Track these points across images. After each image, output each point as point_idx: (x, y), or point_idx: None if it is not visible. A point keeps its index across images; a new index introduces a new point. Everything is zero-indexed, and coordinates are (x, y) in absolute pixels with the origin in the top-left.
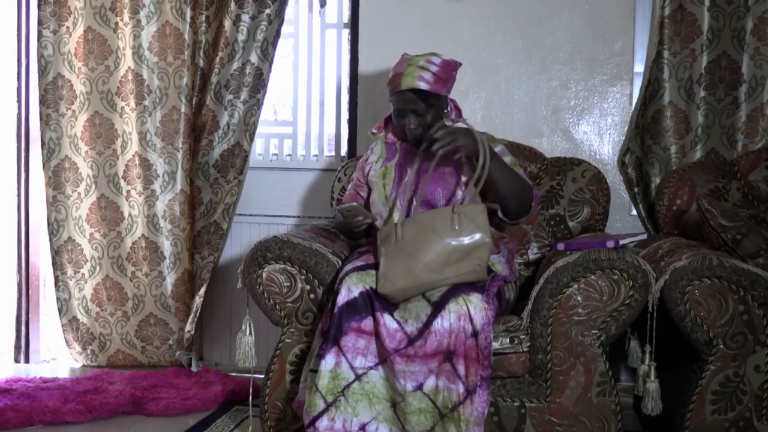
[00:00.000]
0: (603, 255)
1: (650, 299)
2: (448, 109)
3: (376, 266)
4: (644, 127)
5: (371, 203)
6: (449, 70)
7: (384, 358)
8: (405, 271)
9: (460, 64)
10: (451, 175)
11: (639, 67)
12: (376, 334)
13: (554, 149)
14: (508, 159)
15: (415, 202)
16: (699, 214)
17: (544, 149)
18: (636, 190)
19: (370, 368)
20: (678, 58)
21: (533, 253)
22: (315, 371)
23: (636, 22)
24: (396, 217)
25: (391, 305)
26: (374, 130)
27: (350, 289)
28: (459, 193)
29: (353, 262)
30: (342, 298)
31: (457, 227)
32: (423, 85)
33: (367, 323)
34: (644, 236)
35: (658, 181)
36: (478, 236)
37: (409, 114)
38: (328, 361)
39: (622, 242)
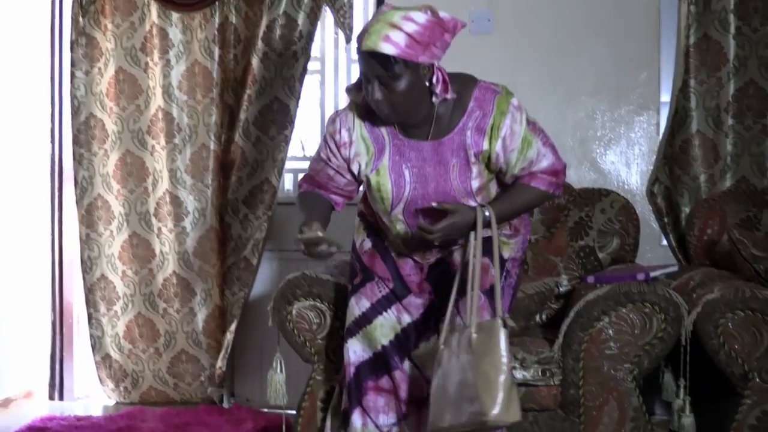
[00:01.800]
0: (634, 288)
1: (683, 332)
2: (434, 80)
3: (382, 303)
4: (672, 156)
5: (371, 202)
6: (436, 31)
7: (405, 413)
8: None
9: (462, 25)
10: (460, 179)
11: (665, 97)
12: (395, 389)
13: (582, 180)
14: (517, 140)
15: (420, 217)
16: (730, 244)
17: (571, 180)
18: (666, 220)
19: (393, 425)
20: (704, 86)
21: (563, 285)
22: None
23: (661, 52)
24: (399, 227)
25: (409, 347)
26: (350, 86)
27: (357, 352)
28: (472, 202)
29: (357, 304)
30: (354, 359)
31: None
32: (388, 49)
33: (384, 381)
34: (675, 268)
35: (688, 211)
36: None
37: (374, 81)
38: (356, 423)
39: (652, 274)
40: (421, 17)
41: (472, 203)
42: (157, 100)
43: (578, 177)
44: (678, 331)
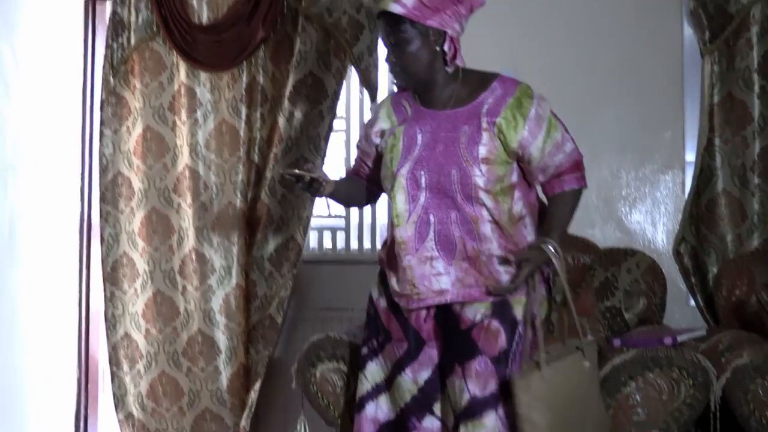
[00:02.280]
0: (661, 352)
1: (712, 398)
2: (446, 49)
3: (400, 364)
4: (698, 215)
5: (382, 179)
6: None
7: None
8: None
9: (480, 2)
10: (468, 144)
11: (690, 155)
12: None
13: (607, 239)
14: (544, 123)
15: (422, 183)
16: (759, 306)
17: (596, 240)
18: (693, 280)
19: None
20: (729, 145)
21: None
22: None
23: (685, 110)
24: (400, 200)
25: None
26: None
27: (384, 411)
28: (477, 174)
29: (383, 366)
30: (382, 417)
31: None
32: (396, 8)
33: None
34: (703, 332)
35: (716, 271)
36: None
37: (388, 45)
38: None
39: (680, 338)
40: None
41: (477, 173)
42: (184, 158)
43: (603, 236)
44: (707, 397)
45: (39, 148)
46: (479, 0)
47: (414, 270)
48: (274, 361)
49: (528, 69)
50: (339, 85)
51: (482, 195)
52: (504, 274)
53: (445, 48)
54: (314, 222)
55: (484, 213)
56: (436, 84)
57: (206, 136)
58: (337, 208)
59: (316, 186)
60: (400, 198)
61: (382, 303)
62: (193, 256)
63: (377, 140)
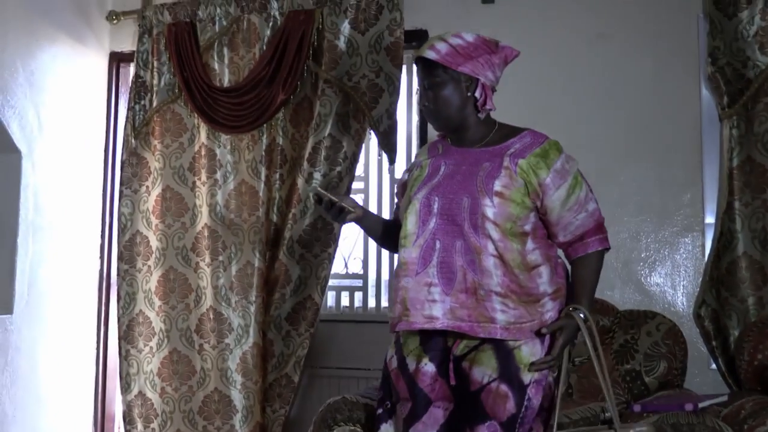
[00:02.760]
0: (682, 419)
1: None
2: (478, 95)
3: (406, 424)
4: (719, 278)
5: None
6: (480, 49)
7: None
8: None
9: (514, 54)
10: (486, 177)
11: (710, 218)
12: None
13: (626, 302)
14: (569, 177)
15: (435, 209)
16: None
17: (616, 302)
18: (714, 343)
19: None
20: (750, 208)
21: (609, 410)
22: None
23: (704, 173)
24: (411, 221)
25: None
26: None
27: None
28: (487, 204)
29: (397, 428)
30: None
31: None
32: (430, 54)
33: None
34: (725, 398)
35: (737, 334)
36: None
37: (421, 88)
38: None
39: (701, 405)
40: (469, 36)
41: (487, 203)
42: (203, 218)
43: (623, 298)
44: None
45: (60, 207)
46: (513, 52)
47: (409, 292)
48: (290, 421)
49: (547, 130)
50: (358, 147)
51: (489, 226)
52: (500, 312)
53: (477, 94)
54: (332, 281)
55: (489, 246)
56: (467, 127)
57: (226, 196)
58: (356, 267)
59: (342, 215)
60: (411, 220)
61: (394, 363)
62: (211, 315)
63: (406, 176)
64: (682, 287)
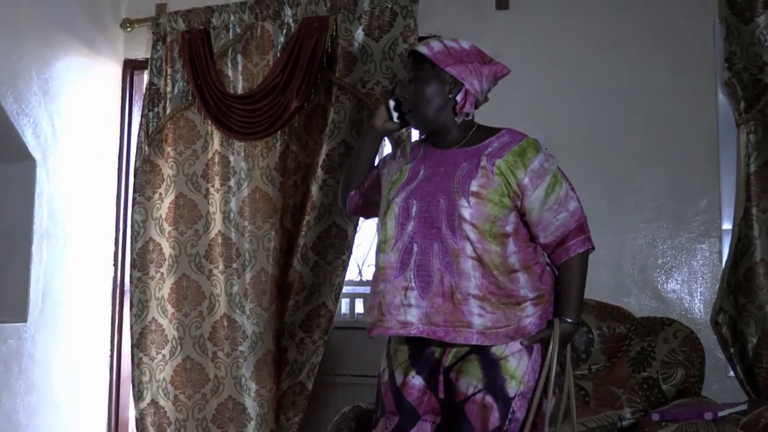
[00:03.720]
0: (701, 428)
1: None
2: (458, 100)
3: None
4: (736, 285)
5: (374, 207)
6: (473, 56)
7: None
8: None
9: (505, 71)
10: (463, 178)
11: (727, 224)
12: None
13: (643, 308)
14: (548, 176)
15: (413, 212)
16: None
17: (632, 308)
18: (732, 350)
19: None
20: (767, 214)
21: (626, 419)
22: None
23: (721, 179)
24: (390, 226)
25: None
26: None
27: None
28: (464, 205)
29: None
30: None
31: None
32: (423, 49)
33: None
34: (744, 406)
35: (755, 341)
36: None
37: (408, 81)
38: None
39: (720, 414)
40: (465, 43)
41: (464, 204)
42: (217, 225)
43: (639, 305)
44: None
45: (75, 215)
46: (504, 69)
47: (386, 297)
48: (303, 429)
49: (562, 137)
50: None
51: (466, 227)
52: (477, 316)
53: (458, 98)
54: (346, 288)
55: (468, 247)
56: (446, 130)
57: (239, 204)
58: (370, 275)
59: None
60: (391, 224)
61: (386, 376)
62: (225, 323)
63: (384, 169)
64: (699, 294)
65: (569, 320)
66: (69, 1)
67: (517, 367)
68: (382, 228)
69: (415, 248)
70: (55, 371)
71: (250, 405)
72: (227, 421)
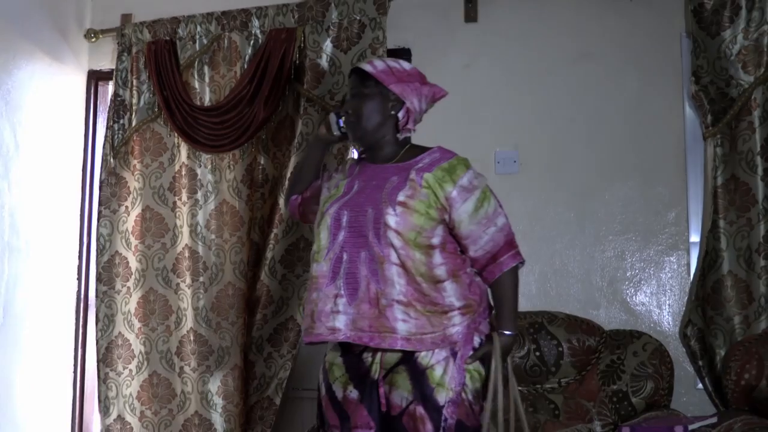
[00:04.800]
0: None
1: None
2: (400, 117)
3: None
4: (704, 297)
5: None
6: (414, 76)
7: None
8: None
9: (442, 94)
10: (392, 190)
11: (695, 237)
12: None
13: (612, 321)
14: (477, 192)
15: (344, 222)
16: None
17: (601, 321)
18: (700, 363)
19: None
20: (734, 227)
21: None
22: None
23: (689, 192)
24: (323, 237)
25: None
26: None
27: None
28: (390, 213)
29: None
30: None
31: None
32: (368, 67)
33: None
34: (714, 419)
35: (723, 354)
36: None
37: (351, 96)
38: None
39: (691, 427)
40: (406, 64)
41: (390, 212)
42: (184, 239)
43: (608, 318)
44: None
45: (37, 228)
46: (441, 92)
47: (318, 305)
48: None
49: (531, 150)
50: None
51: (391, 234)
52: (401, 322)
53: (399, 115)
54: None
55: (392, 255)
56: (381, 145)
57: (206, 217)
58: None
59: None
60: (323, 235)
61: (323, 390)
62: (191, 337)
63: (326, 183)
64: (667, 306)
65: (507, 332)
66: (32, 10)
67: (443, 374)
68: (316, 238)
69: (345, 257)
70: (17, 387)
71: (218, 420)
72: None
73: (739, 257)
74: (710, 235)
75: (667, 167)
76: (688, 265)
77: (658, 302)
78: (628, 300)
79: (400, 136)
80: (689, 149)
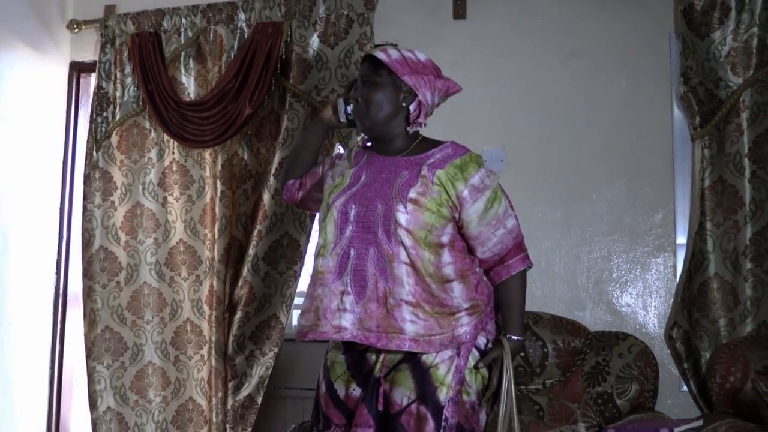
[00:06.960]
0: None
1: None
2: (412, 109)
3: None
4: (690, 299)
5: (315, 205)
6: (428, 69)
7: None
8: None
9: (456, 88)
10: (402, 185)
11: (681, 239)
12: None
13: (597, 322)
14: (488, 192)
15: (351, 216)
16: (755, 394)
17: (587, 322)
18: (686, 365)
19: None
20: (721, 229)
21: None
22: None
23: (676, 193)
24: (330, 230)
25: None
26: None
27: None
28: (400, 211)
29: None
30: None
31: None
32: (381, 56)
33: None
34: (699, 422)
35: (708, 356)
36: None
37: (362, 84)
38: None
39: (676, 430)
40: (421, 55)
41: (401, 210)
42: (178, 234)
43: (593, 319)
44: None
45: (16, 221)
46: (456, 87)
47: (323, 301)
48: None
49: (518, 149)
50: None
51: (401, 232)
52: (409, 323)
53: (411, 107)
54: (298, 300)
55: (402, 253)
56: (392, 138)
57: (199, 212)
58: None
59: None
60: (330, 229)
61: (323, 388)
62: (188, 327)
63: (329, 171)
64: (653, 308)
65: (515, 337)
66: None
67: (447, 374)
68: (321, 232)
69: (353, 253)
70: None
71: (198, 418)
72: (186, 422)
73: (726, 259)
74: (697, 237)
75: (654, 168)
76: (675, 266)
77: (644, 304)
78: (614, 301)
79: (410, 130)
80: (677, 150)
